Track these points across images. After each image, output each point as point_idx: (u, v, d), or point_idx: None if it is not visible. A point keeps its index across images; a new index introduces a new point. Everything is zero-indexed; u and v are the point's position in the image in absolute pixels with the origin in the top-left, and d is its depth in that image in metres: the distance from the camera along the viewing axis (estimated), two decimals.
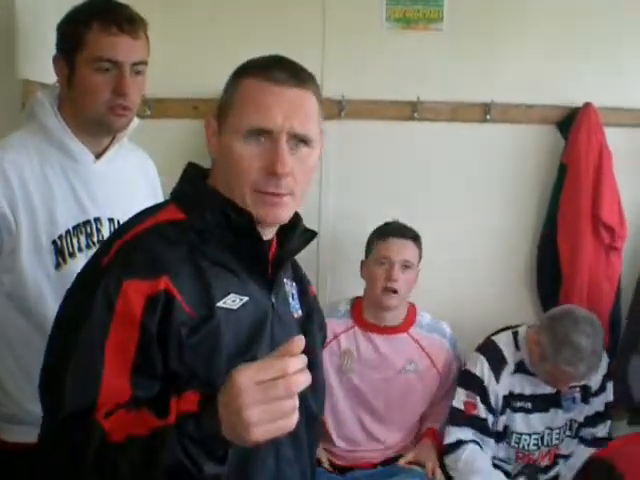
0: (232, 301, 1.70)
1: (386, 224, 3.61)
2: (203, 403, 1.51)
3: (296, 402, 1.45)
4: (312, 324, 1.97)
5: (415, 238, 3.56)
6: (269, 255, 1.81)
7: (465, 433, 3.41)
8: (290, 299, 1.91)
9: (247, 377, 1.43)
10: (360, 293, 3.65)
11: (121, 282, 1.60)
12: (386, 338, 3.56)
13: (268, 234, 1.79)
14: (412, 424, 3.65)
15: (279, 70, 1.69)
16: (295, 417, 1.46)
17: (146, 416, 1.54)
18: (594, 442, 3.50)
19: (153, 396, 1.62)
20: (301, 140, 1.71)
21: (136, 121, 2.52)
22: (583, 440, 3.54)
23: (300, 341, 1.47)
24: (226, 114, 1.71)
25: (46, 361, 1.69)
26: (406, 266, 3.50)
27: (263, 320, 1.75)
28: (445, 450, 3.45)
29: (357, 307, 3.62)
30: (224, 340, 1.66)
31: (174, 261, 1.64)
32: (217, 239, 1.71)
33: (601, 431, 3.52)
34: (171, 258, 1.64)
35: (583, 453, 3.45)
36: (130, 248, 1.66)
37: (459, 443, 3.41)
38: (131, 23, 2.37)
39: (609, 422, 3.55)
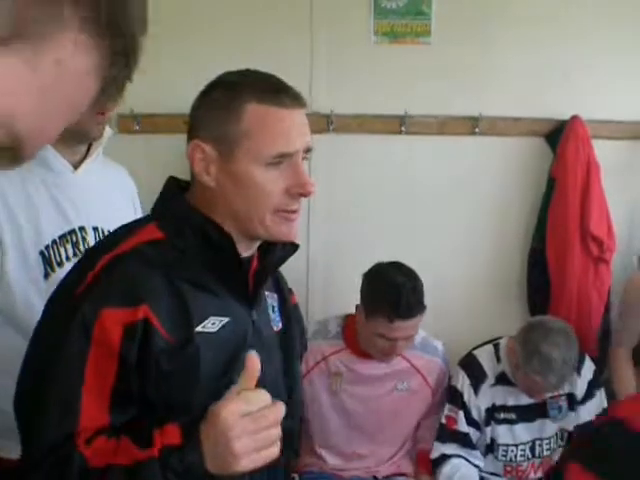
0: (212, 324, 1.70)
1: (393, 292, 3.19)
2: (186, 436, 1.52)
3: (280, 430, 1.52)
4: (292, 337, 1.98)
5: (422, 309, 3.23)
6: (250, 272, 1.81)
7: (449, 448, 3.41)
8: (271, 312, 1.91)
9: (233, 410, 1.48)
10: (351, 309, 3.50)
11: (98, 311, 1.59)
12: (378, 360, 3.45)
13: (250, 250, 1.80)
14: (403, 441, 3.61)
15: (284, 94, 1.71)
16: (278, 445, 1.53)
17: (128, 446, 1.55)
18: None
19: (134, 426, 1.62)
20: (306, 153, 1.75)
21: (109, 131, 2.51)
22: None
23: (255, 358, 1.54)
24: (235, 141, 1.69)
25: (23, 384, 1.69)
26: (410, 336, 3.31)
27: (242, 341, 1.76)
28: (431, 467, 3.45)
29: (349, 328, 3.46)
30: (203, 366, 1.67)
31: (154, 288, 1.63)
32: (197, 259, 1.71)
33: None
34: (151, 285, 1.63)
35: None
36: (109, 273, 1.64)
37: (443, 457, 3.43)
38: None
39: None
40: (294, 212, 1.74)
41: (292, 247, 1.87)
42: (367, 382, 3.45)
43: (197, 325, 1.67)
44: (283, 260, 1.89)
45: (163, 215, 1.77)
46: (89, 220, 2.46)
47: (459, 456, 3.42)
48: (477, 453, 3.45)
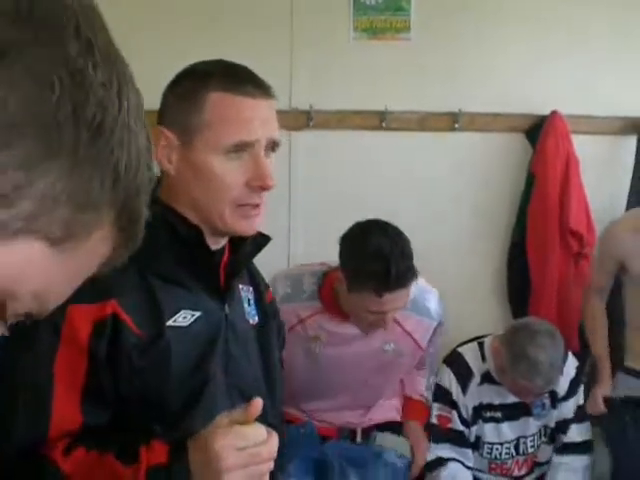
0: (183, 318, 1.67)
1: (381, 260, 2.70)
2: (173, 456, 1.51)
3: (272, 464, 1.52)
4: (269, 330, 1.95)
5: (414, 276, 2.79)
6: (221, 265, 1.79)
7: (444, 450, 3.39)
8: (246, 305, 1.88)
9: (228, 443, 1.45)
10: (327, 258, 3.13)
11: (65, 307, 1.53)
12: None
13: (219, 243, 1.77)
14: (391, 393, 3.35)
15: (249, 83, 1.68)
16: (267, 476, 1.53)
17: (112, 463, 1.53)
18: (570, 448, 3.49)
19: (115, 434, 1.60)
20: (272, 147, 1.71)
21: None
22: (557, 449, 3.52)
23: (258, 403, 1.50)
24: (196, 130, 1.67)
25: None
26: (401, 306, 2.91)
27: (216, 335, 1.73)
28: (426, 468, 3.42)
29: (326, 288, 3.01)
30: (174, 360, 1.65)
31: (122, 283, 1.60)
32: (167, 253, 1.68)
33: (576, 436, 3.50)
34: (119, 280, 1.58)
35: (560, 463, 3.48)
36: None
37: (439, 461, 3.39)
38: None
39: (584, 426, 3.50)
40: (255, 207, 1.70)
41: (263, 239, 1.83)
42: (350, 342, 3.06)
43: (168, 319, 1.65)
44: (255, 253, 1.86)
45: None
46: None
47: (455, 460, 3.40)
48: (469, 452, 3.44)
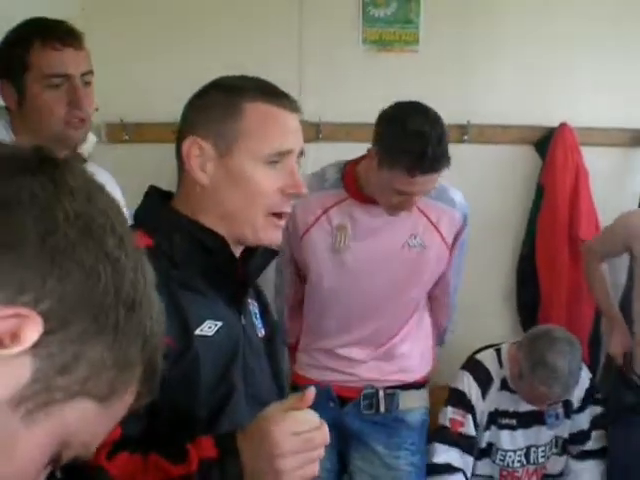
0: (208, 327, 1.68)
1: (419, 139, 2.68)
2: (222, 448, 1.51)
3: (323, 451, 1.53)
4: (277, 343, 1.97)
5: (448, 162, 2.77)
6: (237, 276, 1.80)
7: (452, 455, 3.37)
8: (254, 319, 1.89)
9: (284, 429, 1.47)
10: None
11: None
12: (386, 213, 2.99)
13: (237, 254, 1.78)
14: (412, 310, 3.20)
15: (284, 97, 1.73)
16: (318, 465, 1.54)
17: (159, 462, 1.52)
18: (590, 455, 3.49)
19: (157, 440, 1.59)
20: (299, 157, 1.77)
21: (93, 138, 2.49)
22: (576, 456, 3.52)
23: (313, 391, 1.53)
24: (235, 138, 1.69)
25: None
26: (429, 190, 2.88)
27: (237, 344, 1.74)
28: (430, 469, 3.37)
29: (349, 175, 3.01)
30: (204, 369, 1.65)
31: None
32: (188, 264, 1.69)
33: (593, 445, 3.49)
34: None
35: (582, 468, 3.48)
36: None
37: (449, 468, 3.37)
38: (71, 35, 2.35)
39: (600, 433, 3.49)
40: (284, 216, 1.74)
41: (272, 253, 1.86)
42: (375, 235, 3.01)
43: (195, 329, 1.65)
44: (264, 266, 1.88)
45: (148, 222, 1.74)
46: None
47: (462, 472, 3.39)
48: (471, 461, 3.44)
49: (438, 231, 3.04)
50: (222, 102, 1.71)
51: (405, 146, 2.68)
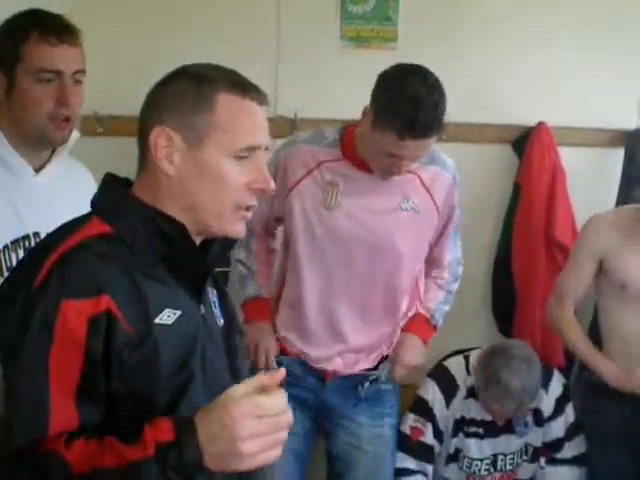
0: (167, 316, 1.66)
1: (413, 103, 2.65)
2: (179, 431, 1.49)
3: (286, 434, 1.52)
4: (234, 332, 1.95)
5: (440, 129, 2.74)
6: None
7: (410, 462, 3.37)
8: (213, 307, 1.88)
9: (246, 409, 1.46)
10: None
11: (59, 303, 1.53)
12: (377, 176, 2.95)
13: (197, 243, 1.77)
14: (401, 285, 3.09)
15: (253, 89, 1.71)
16: (281, 448, 1.53)
17: (114, 445, 1.50)
18: (565, 462, 3.46)
19: (113, 424, 1.58)
20: (266, 151, 1.76)
21: (76, 134, 2.46)
22: (550, 462, 3.49)
23: (282, 372, 1.56)
24: (206, 131, 1.66)
25: None
26: (419, 156, 2.83)
27: (195, 333, 1.72)
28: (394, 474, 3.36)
29: (348, 137, 2.97)
30: (162, 358, 1.63)
31: (112, 278, 1.59)
32: (148, 252, 1.67)
33: (572, 451, 3.45)
34: (108, 275, 1.59)
35: (554, 472, 3.46)
36: (63, 266, 1.58)
37: (406, 471, 3.36)
38: (68, 32, 2.34)
39: (578, 439, 3.45)
40: (249, 209, 1.73)
41: (230, 242, 1.85)
42: (366, 195, 2.96)
43: (155, 317, 1.64)
44: (223, 255, 1.88)
45: (107, 209, 1.72)
46: (46, 225, 2.38)
47: (422, 473, 3.38)
48: (430, 469, 3.42)
49: (430, 195, 3.01)
50: (193, 92, 1.68)
51: (398, 109, 2.64)
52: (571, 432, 3.43)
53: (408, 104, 2.64)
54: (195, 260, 1.74)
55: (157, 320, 1.64)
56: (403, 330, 3.17)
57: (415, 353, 3.16)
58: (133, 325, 1.59)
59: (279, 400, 1.50)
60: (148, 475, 1.47)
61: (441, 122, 2.71)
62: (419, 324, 3.19)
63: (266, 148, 1.74)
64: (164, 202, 1.70)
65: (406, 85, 2.70)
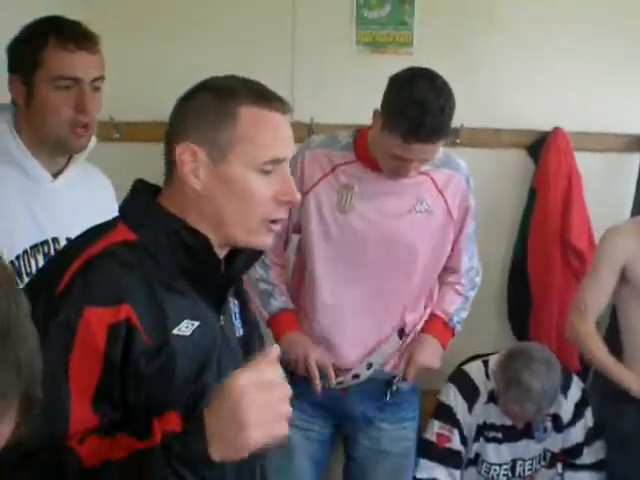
0: (186, 327, 1.67)
1: (419, 107, 2.69)
2: (187, 422, 1.51)
3: (289, 408, 1.53)
4: (253, 343, 1.95)
5: (446, 134, 2.79)
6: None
7: (438, 472, 3.36)
8: (233, 318, 1.89)
9: (245, 379, 1.48)
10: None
11: (82, 310, 1.55)
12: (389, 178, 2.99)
13: (222, 254, 1.78)
14: (417, 286, 3.10)
15: (275, 99, 1.71)
16: (286, 424, 1.53)
17: (124, 440, 1.52)
18: (584, 467, 3.45)
19: (125, 423, 1.59)
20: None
21: (94, 140, 2.48)
22: (570, 467, 3.48)
23: (277, 350, 1.56)
24: (229, 145, 1.67)
25: None
26: (427, 160, 2.87)
27: (212, 345, 1.74)
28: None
29: (361, 140, 3.01)
30: (178, 368, 1.65)
31: (133, 288, 1.61)
32: (170, 262, 1.68)
33: (591, 457, 3.45)
34: (129, 285, 1.60)
35: (574, 477, 3.45)
36: (87, 274, 1.60)
37: None
38: (87, 39, 2.35)
39: (597, 444, 3.44)
40: (278, 221, 1.74)
41: (257, 253, 1.85)
42: (381, 197, 3.00)
43: (173, 328, 1.65)
44: (248, 267, 1.88)
45: (133, 216, 1.74)
46: (64, 231, 2.40)
47: None
48: (458, 474, 3.42)
49: (443, 197, 3.04)
50: (215, 106, 1.68)
51: (405, 112, 2.69)
52: (590, 437, 3.43)
53: (415, 108, 2.68)
54: (216, 274, 1.75)
55: (175, 331, 1.65)
56: (421, 331, 3.16)
57: (431, 355, 3.15)
58: (151, 336, 1.61)
59: (274, 370, 1.53)
60: (154, 465, 1.48)
61: (448, 126, 2.75)
62: (438, 326, 3.19)
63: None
64: (190, 214, 1.71)
65: (414, 89, 2.73)
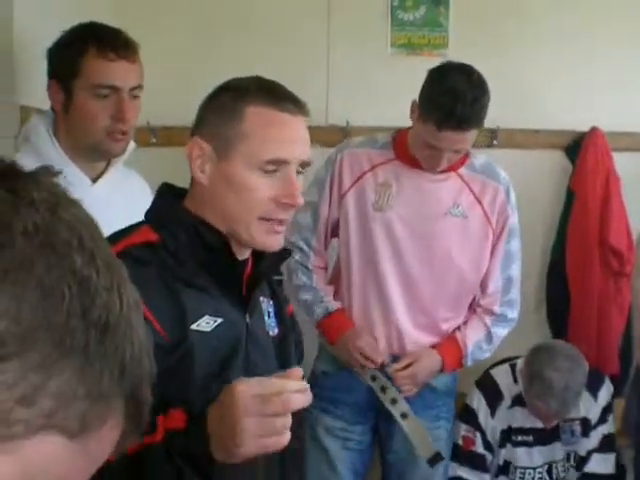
0: (206, 323, 1.69)
1: (452, 95, 2.80)
2: (191, 419, 1.53)
3: (289, 421, 1.49)
4: (288, 343, 1.96)
5: (476, 124, 2.88)
6: (244, 274, 1.80)
7: (465, 471, 3.35)
8: (266, 317, 1.89)
9: (245, 388, 1.47)
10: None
11: None
12: (431, 175, 3.04)
13: (244, 254, 1.79)
14: (452, 286, 3.11)
15: (288, 99, 1.72)
16: (287, 436, 1.50)
17: None
18: (595, 477, 3.42)
19: None
20: (303, 166, 1.75)
21: (132, 144, 2.49)
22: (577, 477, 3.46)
23: (299, 371, 1.55)
24: (233, 142, 1.69)
25: None
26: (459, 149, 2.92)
27: (237, 341, 1.74)
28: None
29: (400, 139, 3.08)
30: (197, 364, 1.66)
31: (146, 284, 1.59)
32: (191, 260, 1.70)
33: (598, 467, 3.42)
34: (143, 281, 1.59)
35: None
36: None
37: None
38: (127, 47, 2.36)
39: (610, 456, 3.42)
40: (280, 223, 1.73)
41: (285, 253, 1.87)
42: (418, 198, 3.05)
43: (192, 323, 1.66)
44: (276, 266, 1.91)
45: (156, 218, 1.77)
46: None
47: None
48: (487, 478, 3.41)
49: (480, 203, 3.08)
50: (226, 104, 1.72)
51: (438, 100, 2.81)
52: (605, 445, 3.39)
53: (448, 96, 2.79)
54: (235, 270, 1.76)
55: (194, 326, 1.66)
56: (433, 346, 3.14)
57: (422, 374, 3.11)
58: (167, 330, 1.62)
59: (278, 382, 1.51)
60: (155, 459, 1.50)
61: (480, 117, 2.86)
62: (451, 350, 3.16)
63: (304, 165, 1.74)
64: (205, 211, 1.74)
65: (449, 79, 2.86)
